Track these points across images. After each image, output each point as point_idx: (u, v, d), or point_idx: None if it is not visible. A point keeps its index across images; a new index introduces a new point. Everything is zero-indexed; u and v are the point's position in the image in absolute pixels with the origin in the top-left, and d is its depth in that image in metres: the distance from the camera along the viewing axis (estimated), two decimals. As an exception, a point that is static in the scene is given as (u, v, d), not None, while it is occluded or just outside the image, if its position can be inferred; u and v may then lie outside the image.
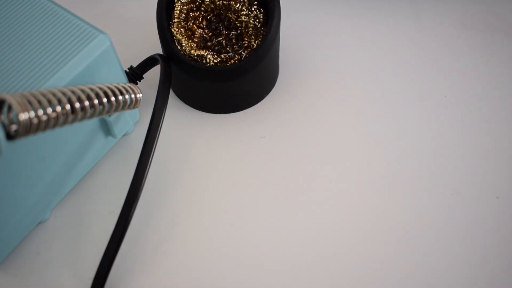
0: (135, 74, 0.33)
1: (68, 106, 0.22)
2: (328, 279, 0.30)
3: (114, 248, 0.28)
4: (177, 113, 0.36)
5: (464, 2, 0.42)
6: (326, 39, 0.40)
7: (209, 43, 0.34)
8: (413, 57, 0.39)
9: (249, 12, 0.34)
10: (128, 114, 0.33)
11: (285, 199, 0.33)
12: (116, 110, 0.26)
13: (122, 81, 0.31)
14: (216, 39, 0.35)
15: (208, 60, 0.33)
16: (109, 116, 0.31)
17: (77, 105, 0.23)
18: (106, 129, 0.32)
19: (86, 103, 0.23)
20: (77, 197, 0.33)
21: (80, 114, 0.23)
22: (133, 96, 0.28)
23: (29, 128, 0.21)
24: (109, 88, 0.26)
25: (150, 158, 0.29)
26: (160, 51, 0.36)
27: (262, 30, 0.34)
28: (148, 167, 0.29)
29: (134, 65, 0.34)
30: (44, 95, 0.22)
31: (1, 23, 0.28)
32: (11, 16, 0.28)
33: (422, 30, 0.40)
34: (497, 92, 0.37)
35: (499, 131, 0.35)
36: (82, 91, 0.24)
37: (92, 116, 0.24)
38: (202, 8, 0.35)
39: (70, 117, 0.23)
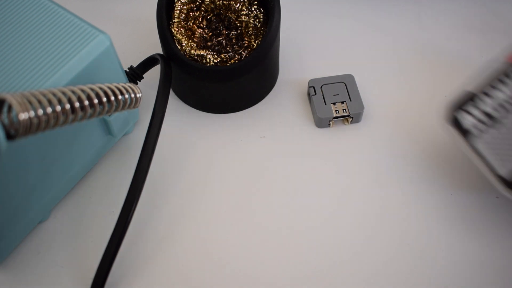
0: (135, 74, 0.33)
1: (68, 106, 0.22)
2: (329, 277, 0.30)
3: (114, 248, 0.28)
4: (177, 113, 0.36)
5: (464, 2, 0.42)
6: (326, 39, 0.40)
7: (209, 43, 0.34)
8: (413, 56, 0.39)
9: (249, 12, 0.34)
10: (128, 114, 0.33)
11: (285, 198, 0.33)
12: (116, 110, 0.26)
13: (122, 81, 0.31)
14: (216, 39, 0.35)
15: (208, 60, 0.33)
16: (109, 116, 0.31)
17: (77, 104, 0.23)
18: (106, 129, 0.32)
19: (86, 102, 0.23)
20: (77, 197, 0.33)
21: (80, 114, 0.23)
22: (133, 96, 0.28)
23: (29, 128, 0.21)
24: (109, 88, 0.26)
25: (150, 158, 0.29)
26: (160, 51, 0.36)
27: (262, 30, 0.34)
28: (148, 167, 0.29)
29: (134, 65, 0.34)
30: (44, 95, 0.22)
31: (1, 23, 0.28)
32: (11, 16, 0.28)
33: (422, 30, 0.40)
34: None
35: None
36: (82, 91, 0.24)
37: (92, 116, 0.24)
38: (202, 8, 0.35)
39: (70, 117, 0.23)
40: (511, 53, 0.24)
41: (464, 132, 0.26)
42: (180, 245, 0.31)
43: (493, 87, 0.25)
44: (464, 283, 0.30)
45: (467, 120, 0.25)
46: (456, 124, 0.26)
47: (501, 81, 0.25)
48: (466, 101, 0.26)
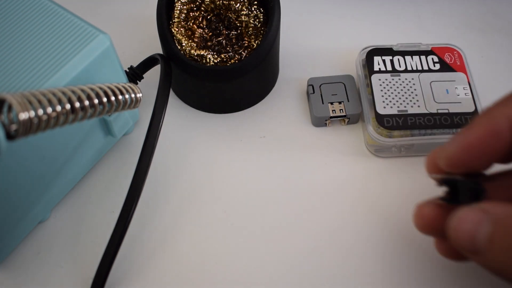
0: (135, 74, 0.33)
1: (68, 106, 0.22)
2: (329, 276, 0.30)
3: (114, 248, 0.28)
4: (177, 113, 0.36)
5: (464, 2, 0.42)
6: (327, 39, 0.40)
7: (209, 43, 0.34)
8: (413, 57, 0.39)
9: (249, 12, 0.34)
10: (128, 114, 0.33)
11: (285, 198, 0.33)
12: (116, 109, 0.26)
13: (122, 81, 0.31)
14: (216, 39, 0.35)
15: (208, 60, 0.33)
16: (109, 116, 0.31)
17: (77, 104, 0.23)
18: (106, 129, 0.32)
19: (86, 102, 0.23)
20: (77, 197, 0.33)
21: (80, 114, 0.23)
22: (133, 95, 0.28)
23: (29, 128, 0.21)
24: (109, 88, 0.26)
25: (150, 158, 0.29)
26: (160, 51, 0.36)
27: (262, 30, 0.34)
28: (148, 167, 0.29)
29: (134, 65, 0.34)
30: (44, 95, 0.22)
31: (1, 23, 0.28)
32: (11, 16, 0.28)
33: (422, 30, 0.40)
34: (497, 91, 0.37)
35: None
36: (82, 90, 0.24)
37: (92, 115, 0.24)
38: (202, 8, 0.35)
39: (70, 116, 0.23)
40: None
41: (371, 72, 0.35)
42: (180, 245, 0.31)
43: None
44: (462, 283, 0.30)
45: (376, 63, 0.35)
46: (368, 65, 0.35)
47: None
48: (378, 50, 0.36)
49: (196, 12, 0.35)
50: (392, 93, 0.34)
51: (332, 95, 0.35)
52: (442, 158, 0.23)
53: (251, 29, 0.34)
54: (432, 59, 0.35)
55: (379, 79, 0.34)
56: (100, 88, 0.25)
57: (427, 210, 0.26)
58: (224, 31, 0.35)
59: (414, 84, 0.34)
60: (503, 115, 0.22)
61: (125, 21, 0.41)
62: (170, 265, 0.31)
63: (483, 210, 0.22)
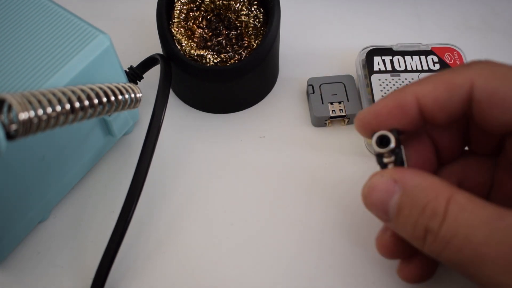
0: (135, 74, 0.33)
1: (68, 106, 0.22)
2: (331, 275, 0.30)
3: (114, 248, 0.28)
4: (177, 113, 0.36)
5: (464, 2, 0.42)
6: (327, 39, 0.40)
7: (209, 43, 0.34)
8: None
9: (249, 12, 0.34)
10: (128, 114, 0.33)
11: (285, 198, 0.33)
12: (116, 109, 0.26)
13: (122, 81, 0.31)
14: (216, 39, 0.35)
15: (208, 60, 0.33)
16: (109, 116, 0.31)
17: (77, 104, 0.23)
18: (106, 129, 0.32)
19: (86, 102, 0.23)
20: (77, 197, 0.33)
21: (80, 114, 0.23)
22: (133, 95, 0.28)
23: (29, 128, 0.21)
24: (109, 88, 0.26)
25: (150, 158, 0.29)
26: (160, 51, 0.36)
27: (262, 30, 0.34)
28: (148, 167, 0.29)
29: (134, 65, 0.34)
30: (44, 95, 0.22)
31: (1, 23, 0.28)
32: (11, 16, 0.28)
33: (422, 30, 0.40)
34: (497, 92, 0.37)
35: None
36: (82, 91, 0.24)
37: (92, 115, 0.24)
38: (202, 8, 0.35)
39: (70, 116, 0.23)
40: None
41: (371, 72, 0.35)
42: (180, 245, 0.31)
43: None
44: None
45: (376, 63, 0.35)
46: (368, 65, 0.35)
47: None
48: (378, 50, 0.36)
49: (196, 12, 0.35)
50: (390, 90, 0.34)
51: (332, 95, 0.35)
52: (356, 119, 0.26)
53: (251, 29, 0.34)
54: (432, 59, 0.35)
55: (379, 79, 0.34)
56: (100, 88, 0.25)
57: (385, 239, 0.27)
58: (224, 31, 0.35)
59: None
60: (411, 91, 0.24)
61: (125, 21, 0.41)
62: (170, 265, 0.31)
63: (394, 180, 0.23)
